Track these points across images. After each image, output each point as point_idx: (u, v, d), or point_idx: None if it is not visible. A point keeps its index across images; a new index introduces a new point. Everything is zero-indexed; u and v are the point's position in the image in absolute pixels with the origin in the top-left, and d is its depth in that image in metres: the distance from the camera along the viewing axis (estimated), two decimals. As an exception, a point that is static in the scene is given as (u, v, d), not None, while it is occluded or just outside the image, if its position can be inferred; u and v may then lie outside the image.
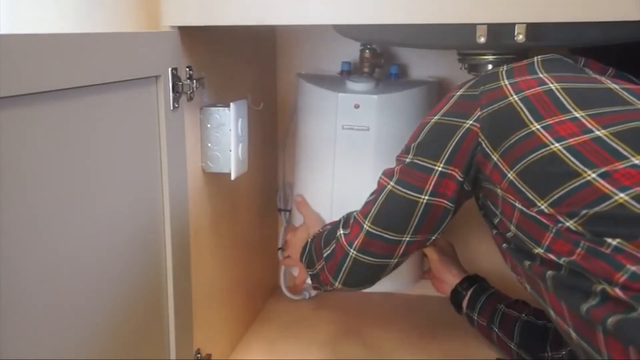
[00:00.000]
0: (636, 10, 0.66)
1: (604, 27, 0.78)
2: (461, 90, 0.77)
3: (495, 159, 0.71)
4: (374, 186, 0.99)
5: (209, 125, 0.87)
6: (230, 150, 0.87)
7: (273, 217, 1.26)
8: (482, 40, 0.76)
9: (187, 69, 0.80)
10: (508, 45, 0.87)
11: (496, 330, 1.00)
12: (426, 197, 0.76)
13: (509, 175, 0.69)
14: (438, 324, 1.18)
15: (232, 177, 0.88)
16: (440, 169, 0.75)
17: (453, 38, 0.84)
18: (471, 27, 0.76)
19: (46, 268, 0.56)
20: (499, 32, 0.77)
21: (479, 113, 0.73)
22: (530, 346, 0.96)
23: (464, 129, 0.74)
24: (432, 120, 0.78)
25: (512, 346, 0.97)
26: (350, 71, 1.17)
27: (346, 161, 1.05)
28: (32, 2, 0.65)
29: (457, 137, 0.74)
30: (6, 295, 0.50)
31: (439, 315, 1.22)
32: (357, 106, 1.02)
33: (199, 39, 0.83)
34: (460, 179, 0.75)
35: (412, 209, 0.77)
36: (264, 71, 1.18)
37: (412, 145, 0.79)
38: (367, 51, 1.13)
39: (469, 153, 0.74)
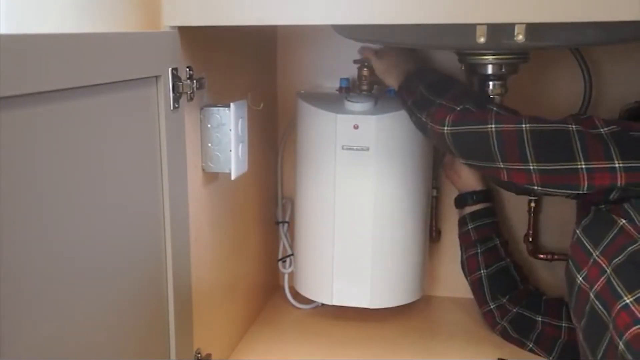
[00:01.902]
0: (636, 10, 0.66)
1: (604, 27, 0.78)
2: None
3: None
4: (375, 204, 1.04)
5: (209, 125, 0.87)
6: (231, 150, 0.87)
7: (273, 217, 1.26)
8: (482, 40, 0.76)
9: (187, 69, 0.80)
10: (508, 45, 0.87)
11: (479, 252, 1.10)
12: None
13: None
14: (438, 323, 1.18)
15: (232, 177, 0.88)
16: None
17: (453, 38, 0.84)
18: (471, 27, 0.76)
19: (45, 268, 0.56)
20: (499, 32, 0.77)
21: None
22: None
23: None
24: None
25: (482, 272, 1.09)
26: (349, 87, 1.17)
27: (347, 181, 1.06)
28: (32, 2, 0.65)
29: None
30: (6, 295, 0.50)
31: (440, 315, 1.22)
32: (356, 127, 1.03)
33: (199, 39, 0.83)
34: None
35: None
36: (264, 71, 1.18)
37: None
38: (364, 69, 1.13)
39: None
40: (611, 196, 0.79)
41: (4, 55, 0.48)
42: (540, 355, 1.02)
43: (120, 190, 0.67)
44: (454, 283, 1.25)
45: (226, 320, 1.02)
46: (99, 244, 0.63)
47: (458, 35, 0.81)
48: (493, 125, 0.82)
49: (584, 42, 0.99)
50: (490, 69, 0.95)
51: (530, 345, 1.03)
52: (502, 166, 0.82)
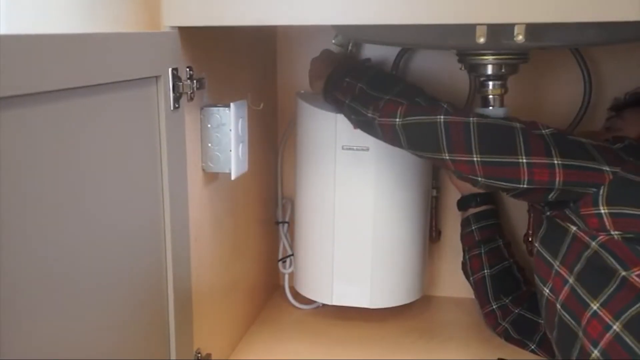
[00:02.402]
0: (636, 10, 0.66)
1: (604, 27, 0.78)
2: None
3: None
4: (375, 204, 1.05)
5: (209, 125, 0.87)
6: (231, 150, 0.87)
7: (273, 217, 1.26)
8: (482, 40, 0.76)
9: (188, 69, 0.80)
10: (508, 46, 0.88)
11: (483, 252, 1.11)
12: None
13: None
14: (438, 323, 1.18)
15: (232, 177, 0.88)
16: None
17: (453, 38, 0.84)
18: (471, 27, 0.76)
19: (45, 267, 0.56)
20: (499, 32, 0.77)
21: None
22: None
23: None
24: None
25: (485, 273, 1.10)
26: None
27: (347, 181, 1.06)
28: (32, 2, 0.65)
29: None
30: (6, 295, 0.50)
31: (440, 315, 1.22)
32: (356, 127, 1.02)
33: (199, 39, 0.83)
34: None
35: None
36: (264, 71, 1.18)
37: None
38: None
39: None
40: (550, 196, 0.81)
41: (4, 55, 0.48)
42: (542, 357, 1.02)
43: (120, 190, 0.67)
44: (454, 283, 1.25)
45: (226, 320, 1.02)
46: (99, 244, 0.63)
47: (458, 35, 0.81)
48: (442, 117, 0.84)
49: (584, 42, 0.99)
50: (490, 69, 0.95)
51: (533, 347, 1.03)
52: (447, 157, 0.84)
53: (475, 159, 0.82)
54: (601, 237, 0.77)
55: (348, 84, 0.98)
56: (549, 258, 0.85)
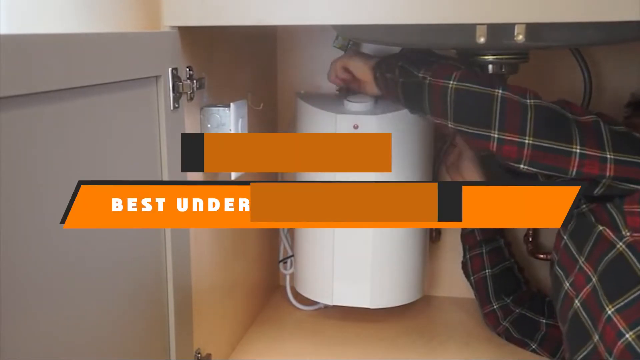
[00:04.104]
0: (636, 10, 0.66)
1: (604, 27, 0.78)
2: None
3: None
4: None
5: (209, 125, 0.87)
6: (230, 150, 0.87)
7: (273, 217, 1.26)
8: (482, 40, 0.76)
9: (188, 69, 0.80)
10: (508, 45, 0.88)
11: (484, 252, 1.10)
12: None
13: None
14: (438, 323, 1.18)
15: (232, 177, 0.88)
16: None
17: (453, 38, 0.84)
18: (471, 27, 0.76)
19: (45, 267, 0.56)
20: (499, 32, 0.77)
21: None
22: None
23: None
24: None
25: (488, 272, 1.10)
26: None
27: (347, 180, 1.05)
28: (32, 2, 0.65)
29: None
30: (6, 295, 0.50)
31: (440, 315, 1.22)
32: (356, 127, 1.02)
33: (199, 39, 0.83)
34: None
35: None
36: (265, 71, 1.18)
37: None
38: None
39: None
40: (596, 191, 0.78)
41: (4, 55, 0.48)
42: (543, 356, 1.02)
43: (120, 190, 0.67)
44: (454, 283, 1.25)
45: (226, 320, 1.02)
46: (99, 244, 0.63)
47: (458, 35, 0.81)
48: (500, 91, 0.80)
49: (584, 42, 0.99)
50: (490, 69, 0.95)
51: (534, 346, 1.03)
52: (495, 135, 0.79)
53: (526, 141, 0.78)
54: (628, 237, 0.75)
55: (400, 58, 0.93)
56: (574, 252, 0.83)
